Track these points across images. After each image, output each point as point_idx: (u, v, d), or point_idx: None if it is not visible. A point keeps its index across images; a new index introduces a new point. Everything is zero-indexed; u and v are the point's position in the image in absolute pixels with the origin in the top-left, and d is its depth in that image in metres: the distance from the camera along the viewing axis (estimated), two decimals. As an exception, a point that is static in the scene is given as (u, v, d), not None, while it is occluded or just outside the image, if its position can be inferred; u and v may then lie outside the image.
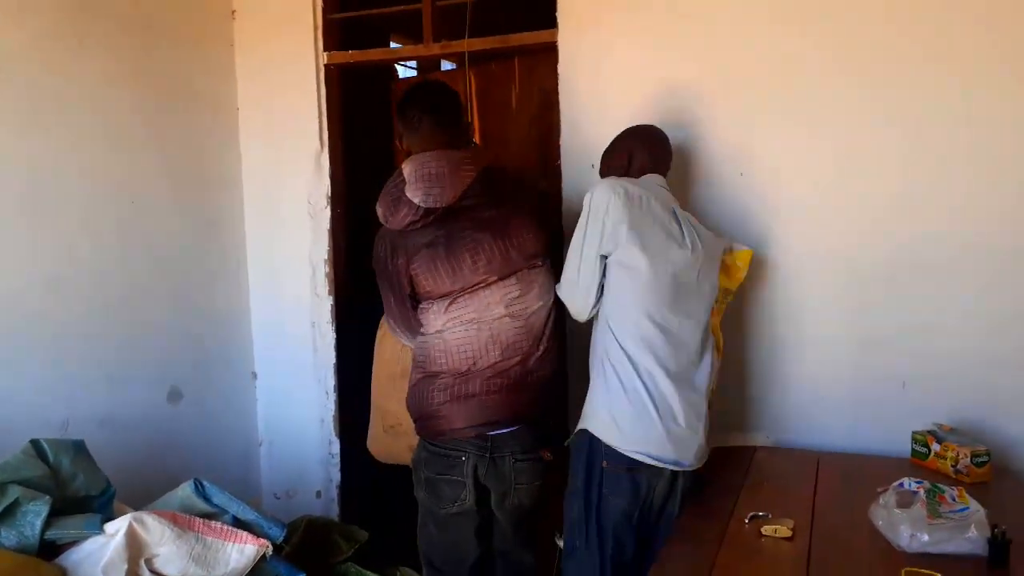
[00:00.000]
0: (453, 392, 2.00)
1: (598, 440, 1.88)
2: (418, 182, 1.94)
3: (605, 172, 2.12)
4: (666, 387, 1.86)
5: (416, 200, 1.94)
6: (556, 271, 2.08)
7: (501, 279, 1.99)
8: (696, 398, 1.91)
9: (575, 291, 1.95)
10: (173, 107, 2.72)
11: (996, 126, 2.10)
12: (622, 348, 1.88)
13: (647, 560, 1.77)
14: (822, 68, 2.25)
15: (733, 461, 2.15)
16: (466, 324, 1.99)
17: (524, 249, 2.00)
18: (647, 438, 1.85)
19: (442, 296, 2.00)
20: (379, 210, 2.05)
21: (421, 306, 2.06)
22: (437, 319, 2.02)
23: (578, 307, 1.97)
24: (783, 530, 1.64)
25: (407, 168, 1.97)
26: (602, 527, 1.88)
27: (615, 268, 1.90)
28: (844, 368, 2.27)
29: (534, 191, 2.11)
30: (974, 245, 2.13)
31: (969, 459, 1.87)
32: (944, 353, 2.17)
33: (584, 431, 1.92)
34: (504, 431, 2.00)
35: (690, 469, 1.90)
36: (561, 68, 2.54)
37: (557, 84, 2.55)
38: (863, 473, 1.97)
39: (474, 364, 1.99)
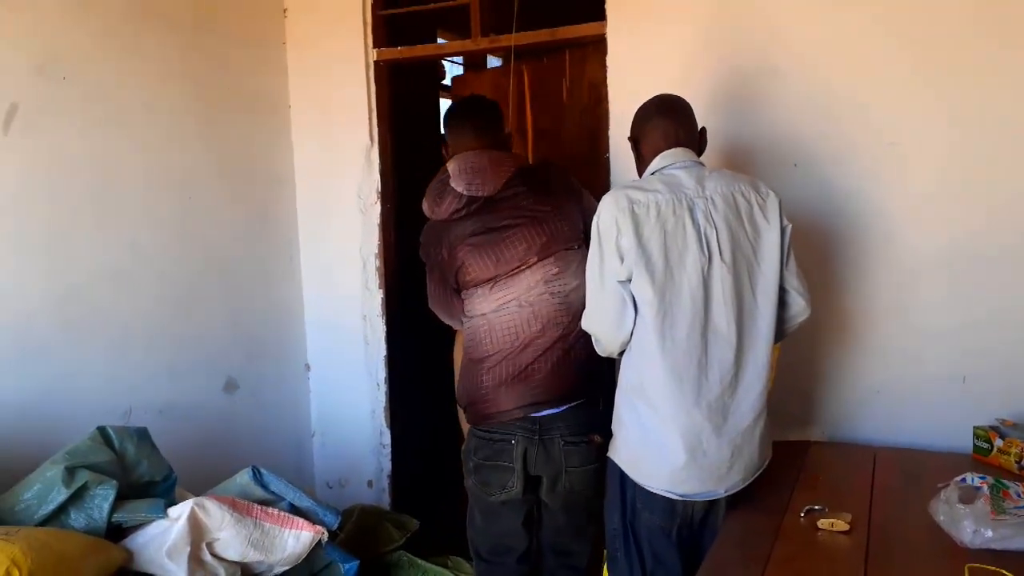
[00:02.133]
0: (499, 374, 2.03)
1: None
2: (462, 174, 2.03)
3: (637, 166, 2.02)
4: (692, 420, 1.69)
5: (460, 189, 2.02)
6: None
7: (541, 260, 2.02)
8: (732, 423, 1.71)
9: (603, 324, 1.77)
10: (227, 106, 2.78)
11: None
12: (641, 381, 1.74)
13: (692, 570, 1.67)
14: (882, 51, 2.20)
15: (787, 456, 2.11)
16: (509, 304, 2.02)
17: (561, 233, 2.03)
18: (672, 478, 1.72)
19: (486, 281, 2.04)
20: (425, 204, 2.12)
21: (466, 292, 2.10)
22: (482, 303, 2.06)
23: (608, 340, 1.79)
24: (840, 524, 1.61)
25: (451, 165, 2.07)
26: (639, 540, 1.81)
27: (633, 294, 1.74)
28: (902, 362, 2.22)
29: (572, 181, 2.13)
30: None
31: (1036, 455, 1.82)
32: (1006, 346, 2.11)
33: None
34: (552, 411, 2.01)
35: (728, 495, 1.77)
36: (610, 61, 2.52)
37: (606, 77, 2.54)
38: (922, 469, 1.92)
39: (517, 339, 2.01)
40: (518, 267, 2.02)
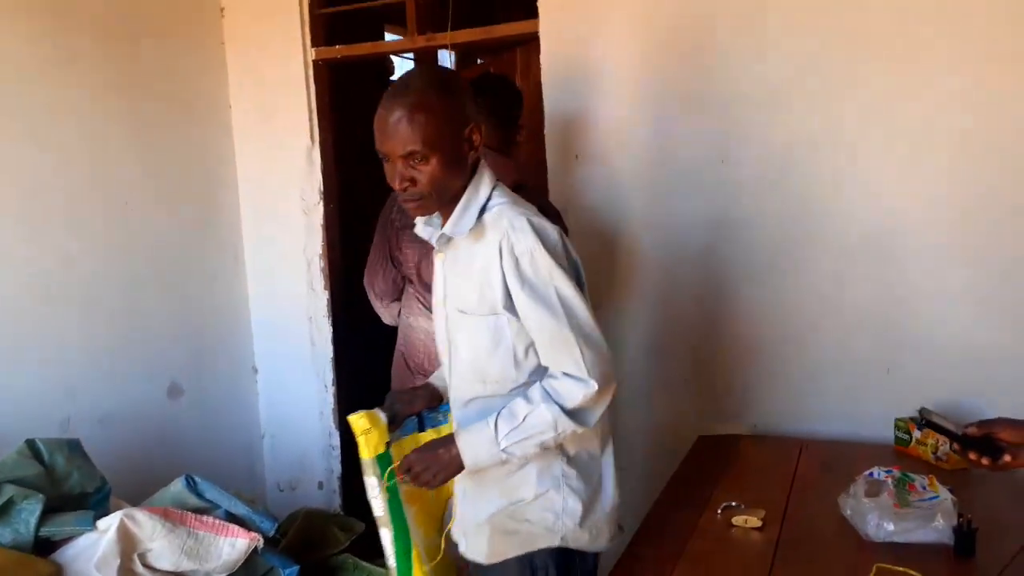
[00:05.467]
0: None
1: None
2: None
3: None
4: None
5: None
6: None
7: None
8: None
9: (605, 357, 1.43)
10: (165, 108, 2.76)
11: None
12: None
13: None
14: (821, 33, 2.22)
15: (717, 450, 2.16)
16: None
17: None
18: None
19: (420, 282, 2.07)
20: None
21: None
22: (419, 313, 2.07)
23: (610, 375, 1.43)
24: (753, 520, 1.65)
25: None
26: None
27: None
28: (829, 353, 2.25)
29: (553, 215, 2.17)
30: (958, 221, 2.11)
31: (948, 446, 1.86)
32: (930, 337, 2.15)
33: None
34: None
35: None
36: (543, 58, 2.53)
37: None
38: (845, 460, 1.96)
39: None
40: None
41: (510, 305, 1.41)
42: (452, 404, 1.58)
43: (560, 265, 1.38)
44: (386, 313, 2.26)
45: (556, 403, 1.38)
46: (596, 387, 1.37)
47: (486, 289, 1.42)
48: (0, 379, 2.25)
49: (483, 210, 1.44)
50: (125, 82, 2.61)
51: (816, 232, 2.25)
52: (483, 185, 1.45)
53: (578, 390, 1.37)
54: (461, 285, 1.47)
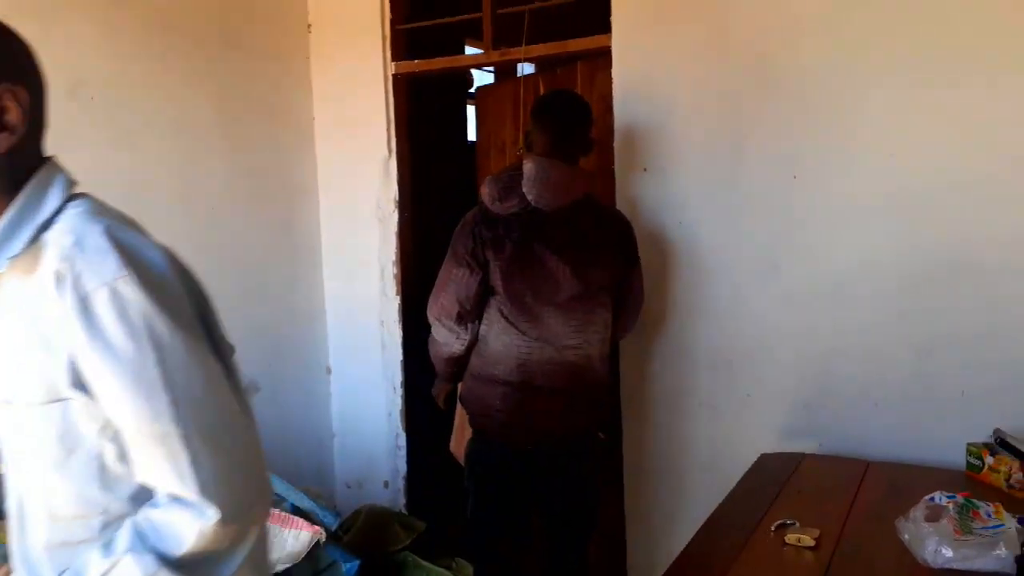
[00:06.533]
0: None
1: None
2: (535, 182, 2.04)
3: None
4: None
5: (529, 197, 2.04)
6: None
7: (566, 306, 2.06)
8: None
9: None
10: (253, 119, 2.91)
11: None
12: None
13: None
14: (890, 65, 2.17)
15: (778, 467, 2.12)
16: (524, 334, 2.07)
17: (591, 281, 2.08)
18: None
19: (507, 293, 2.07)
20: (486, 191, 2.10)
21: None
22: (497, 319, 2.10)
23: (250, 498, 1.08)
24: (807, 539, 1.61)
25: (528, 166, 2.07)
26: None
27: None
28: (901, 375, 2.18)
29: (625, 226, 2.20)
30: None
31: (1022, 473, 1.78)
32: (1012, 360, 2.06)
33: None
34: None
35: None
36: (615, 72, 2.55)
37: (612, 89, 2.57)
38: (910, 484, 1.89)
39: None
40: (545, 301, 2.05)
41: (80, 381, 0.86)
42: (13, 558, 0.99)
43: (167, 309, 0.87)
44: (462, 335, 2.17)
45: (153, 550, 0.85)
46: (217, 517, 0.85)
47: (38, 357, 0.87)
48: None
49: (45, 227, 0.91)
50: (216, 93, 2.77)
51: (885, 255, 2.19)
52: (50, 192, 0.94)
53: (188, 524, 0.85)
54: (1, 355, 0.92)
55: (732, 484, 2.05)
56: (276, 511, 2.13)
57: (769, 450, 2.28)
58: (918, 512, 1.55)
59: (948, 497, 1.56)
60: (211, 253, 2.76)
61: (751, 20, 2.33)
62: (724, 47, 2.37)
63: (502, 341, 2.08)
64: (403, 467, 3.11)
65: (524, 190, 2.04)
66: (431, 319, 2.18)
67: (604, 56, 2.62)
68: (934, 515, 1.53)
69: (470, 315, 2.10)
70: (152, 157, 2.58)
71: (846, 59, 2.20)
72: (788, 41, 2.28)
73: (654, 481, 2.61)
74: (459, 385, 2.25)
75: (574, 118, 2.16)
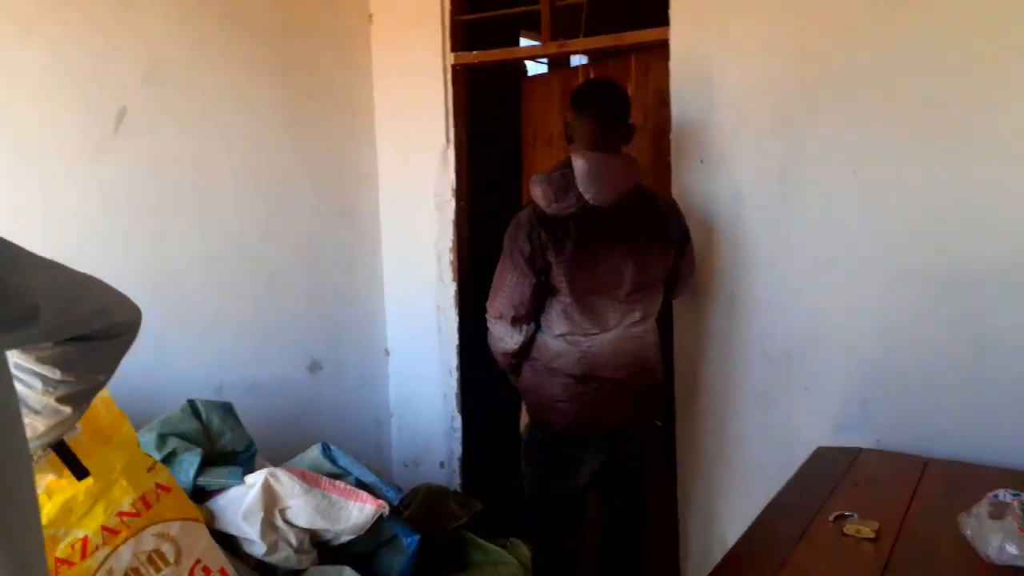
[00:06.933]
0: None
1: None
2: (589, 179, 2.05)
3: None
4: None
5: (587, 196, 2.06)
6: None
7: (627, 300, 2.09)
8: None
9: None
10: (315, 106, 2.99)
11: None
12: None
13: None
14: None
15: (835, 461, 2.13)
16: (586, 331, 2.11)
17: (652, 272, 2.11)
18: None
19: (572, 293, 2.09)
20: (540, 192, 2.09)
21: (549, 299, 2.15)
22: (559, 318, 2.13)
23: None
24: (866, 531, 1.63)
25: (579, 163, 2.07)
26: None
27: None
28: (960, 373, 2.17)
29: (673, 210, 2.22)
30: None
31: (1089, 474, 1.77)
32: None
33: None
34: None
35: None
36: (672, 65, 2.56)
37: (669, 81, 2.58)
38: (972, 482, 1.88)
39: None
40: (606, 294, 2.09)
41: None
42: None
43: None
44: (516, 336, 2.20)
45: None
46: None
47: None
48: (167, 344, 2.53)
49: None
50: (280, 81, 2.85)
51: (946, 250, 2.17)
52: None
53: None
54: None
55: (786, 477, 2.06)
56: (341, 484, 2.21)
57: (824, 444, 2.29)
58: (982, 508, 1.55)
59: (1013, 495, 1.56)
60: (273, 239, 2.85)
61: (811, 12, 2.31)
62: (782, 39, 2.36)
63: (564, 336, 2.12)
64: (458, 449, 3.18)
65: (580, 189, 2.04)
66: (488, 317, 2.23)
67: (659, 48, 2.63)
68: (998, 512, 1.53)
69: (525, 318, 2.15)
70: (219, 139, 2.68)
71: (908, 53, 2.18)
72: (848, 33, 2.26)
73: (707, 470, 2.64)
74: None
75: (616, 109, 2.16)
